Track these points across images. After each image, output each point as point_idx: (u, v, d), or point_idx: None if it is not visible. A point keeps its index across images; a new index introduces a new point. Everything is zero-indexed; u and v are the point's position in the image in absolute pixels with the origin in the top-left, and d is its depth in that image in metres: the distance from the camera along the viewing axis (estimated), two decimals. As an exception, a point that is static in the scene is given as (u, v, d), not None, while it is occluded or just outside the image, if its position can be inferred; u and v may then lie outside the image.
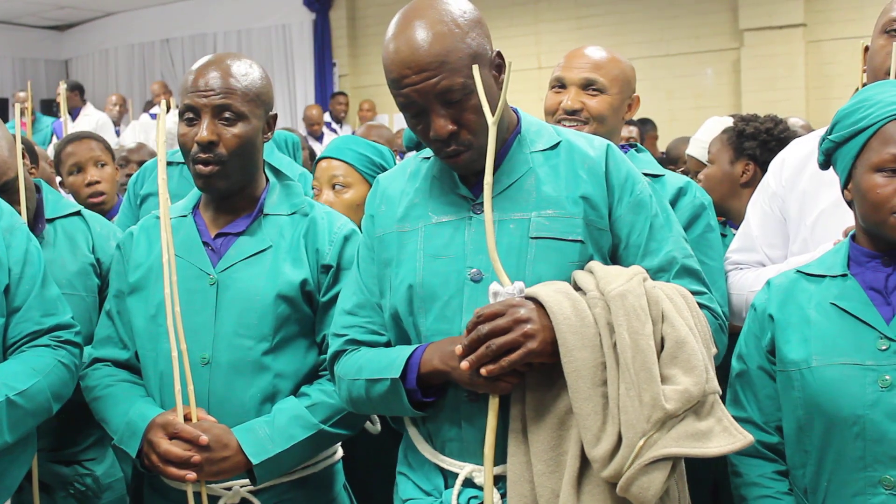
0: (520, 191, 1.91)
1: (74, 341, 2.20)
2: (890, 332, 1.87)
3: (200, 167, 2.16)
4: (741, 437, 1.72)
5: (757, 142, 3.28)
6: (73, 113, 10.40)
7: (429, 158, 2.03)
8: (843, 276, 1.97)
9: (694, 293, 1.90)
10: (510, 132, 1.97)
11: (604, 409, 1.71)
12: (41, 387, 2.05)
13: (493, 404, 1.80)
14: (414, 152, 3.94)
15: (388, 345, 2.00)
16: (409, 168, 2.07)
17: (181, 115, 2.17)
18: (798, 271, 2.05)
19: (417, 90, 1.81)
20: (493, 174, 1.89)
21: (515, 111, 2.03)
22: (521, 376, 1.78)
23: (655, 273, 1.91)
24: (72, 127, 9.64)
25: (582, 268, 1.87)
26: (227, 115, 2.14)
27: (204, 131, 2.13)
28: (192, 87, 2.16)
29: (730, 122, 3.58)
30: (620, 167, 1.95)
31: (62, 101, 7.10)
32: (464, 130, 1.85)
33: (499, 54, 1.91)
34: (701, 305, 1.89)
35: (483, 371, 1.73)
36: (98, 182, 3.99)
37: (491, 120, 1.80)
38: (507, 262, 1.84)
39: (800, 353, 1.94)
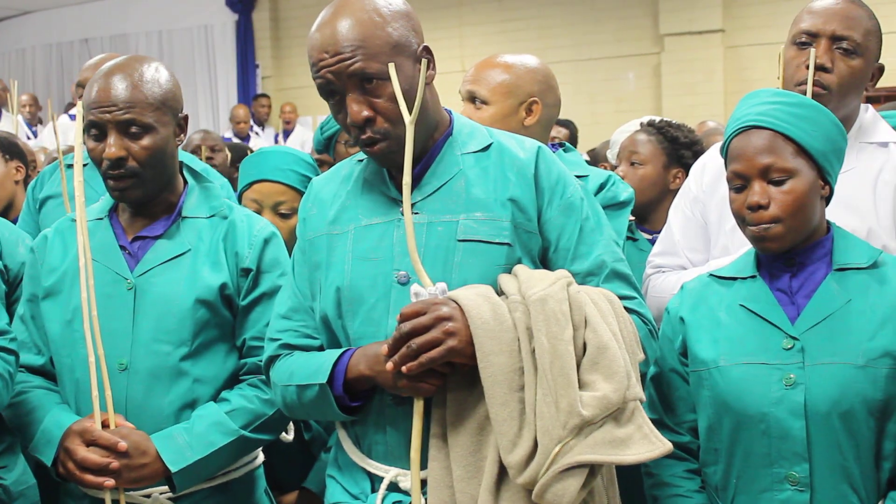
0: (449, 193, 1.90)
1: (9, 348, 2.14)
2: (794, 332, 1.92)
3: (113, 182, 2.13)
4: (660, 445, 1.69)
5: (691, 151, 3.31)
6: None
7: (362, 161, 2.02)
8: (753, 277, 2.02)
9: (623, 297, 1.88)
10: (440, 133, 1.96)
11: (520, 414, 1.69)
12: None
13: (418, 407, 1.78)
14: (326, 155, 3.93)
15: (321, 348, 1.98)
16: (343, 171, 2.06)
17: (86, 129, 2.12)
18: (711, 275, 2.10)
19: (332, 71, 1.81)
20: (423, 176, 1.91)
21: (449, 112, 2.02)
22: (444, 378, 1.77)
23: (585, 277, 1.89)
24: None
25: (509, 271, 1.84)
26: (133, 129, 2.10)
27: (112, 148, 2.09)
28: (94, 101, 2.10)
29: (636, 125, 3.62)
30: (551, 169, 1.93)
31: (14, 98, 7.00)
32: (380, 118, 1.84)
33: (426, 49, 1.90)
34: (630, 310, 1.88)
35: (404, 369, 1.71)
36: None
37: (408, 119, 1.78)
38: (433, 265, 1.83)
39: (709, 353, 1.99)
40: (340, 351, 1.90)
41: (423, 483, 1.82)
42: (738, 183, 1.96)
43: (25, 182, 3.75)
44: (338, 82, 1.83)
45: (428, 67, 1.85)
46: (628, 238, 3.08)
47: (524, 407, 1.69)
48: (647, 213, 3.37)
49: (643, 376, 1.86)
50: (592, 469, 1.68)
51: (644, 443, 1.69)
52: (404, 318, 1.73)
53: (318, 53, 1.83)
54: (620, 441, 1.67)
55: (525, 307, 1.73)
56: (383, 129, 1.84)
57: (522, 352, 1.71)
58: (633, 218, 3.26)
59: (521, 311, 1.73)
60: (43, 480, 2.66)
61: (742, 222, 1.98)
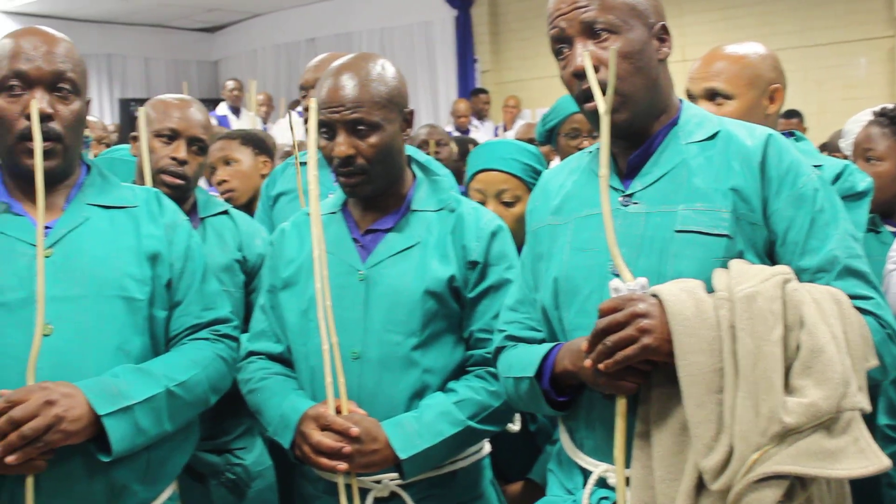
0: (671, 182, 1.85)
1: (232, 335, 2.25)
2: None
3: (343, 179, 2.20)
4: (877, 461, 1.54)
5: None
6: (238, 112, 10.78)
7: (591, 152, 2.01)
8: None
9: (857, 297, 1.73)
10: (668, 118, 1.93)
11: (718, 417, 1.60)
12: (200, 379, 2.10)
13: (621, 405, 1.74)
14: (548, 147, 3.94)
15: (543, 341, 1.98)
16: (572, 163, 2.07)
17: (318, 127, 2.19)
18: None
19: (566, 18, 1.86)
20: (645, 164, 1.89)
21: (679, 101, 1.98)
22: (645, 376, 1.72)
23: (814, 273, 1.77)
24: (236, 123, 10.03)
25: (727, 265, 1.75)
26: (361, 127, 2.16)
27: (341, 147, 2.15)
28: (323, 101, 2.17)
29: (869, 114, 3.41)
30: (783, 157, 1.83)
31: (252, 97, 7.56)
32: (604, 69, 1.81)
33: (664, 27, 1.89)
34: (864, 311, 1.72)
35: (601, 367, 1.68)
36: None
37: (602, 109, 1.76)
38: (649, 256, 1.80)
39: None
40: (551, 345, 1.90)
41: (630, 481, 1.78)
42: None
43: None
44: (569, 30, 1.85)
45: (662, 44, 1.87)
46: (870, 230, 2.93)
47: (723, 410, 1.60)
48: (891, 209, 3.17)
49: (877, 385, 1.71)
50: (803, 482, 1.58)
51: (859, 457, 1.55)
52: (602, 315, 1.70)
53: (557, 4, 1.88)
54: (829, 453, 1.54)
55: (731, 304, 1.63)
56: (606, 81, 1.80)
57: (724, 352, 1.61)
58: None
59: (727, 309, 1.63)
60: (280, 463, 2.79)
61: None
